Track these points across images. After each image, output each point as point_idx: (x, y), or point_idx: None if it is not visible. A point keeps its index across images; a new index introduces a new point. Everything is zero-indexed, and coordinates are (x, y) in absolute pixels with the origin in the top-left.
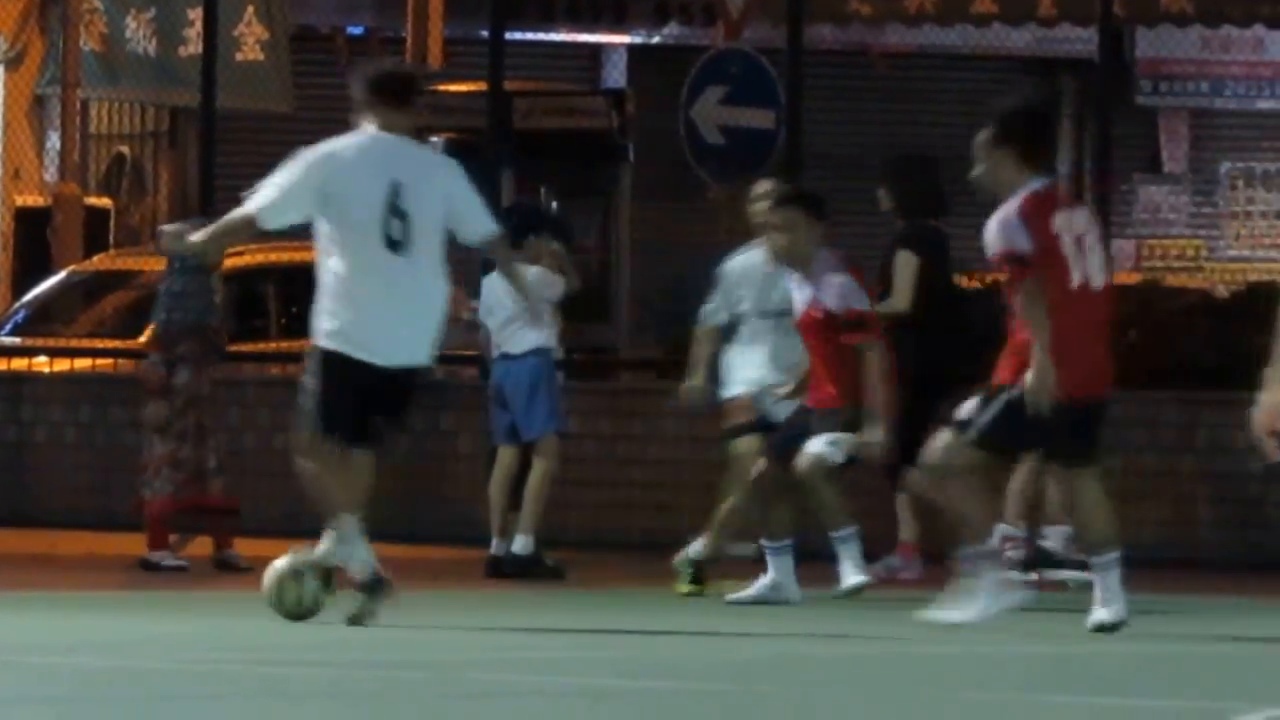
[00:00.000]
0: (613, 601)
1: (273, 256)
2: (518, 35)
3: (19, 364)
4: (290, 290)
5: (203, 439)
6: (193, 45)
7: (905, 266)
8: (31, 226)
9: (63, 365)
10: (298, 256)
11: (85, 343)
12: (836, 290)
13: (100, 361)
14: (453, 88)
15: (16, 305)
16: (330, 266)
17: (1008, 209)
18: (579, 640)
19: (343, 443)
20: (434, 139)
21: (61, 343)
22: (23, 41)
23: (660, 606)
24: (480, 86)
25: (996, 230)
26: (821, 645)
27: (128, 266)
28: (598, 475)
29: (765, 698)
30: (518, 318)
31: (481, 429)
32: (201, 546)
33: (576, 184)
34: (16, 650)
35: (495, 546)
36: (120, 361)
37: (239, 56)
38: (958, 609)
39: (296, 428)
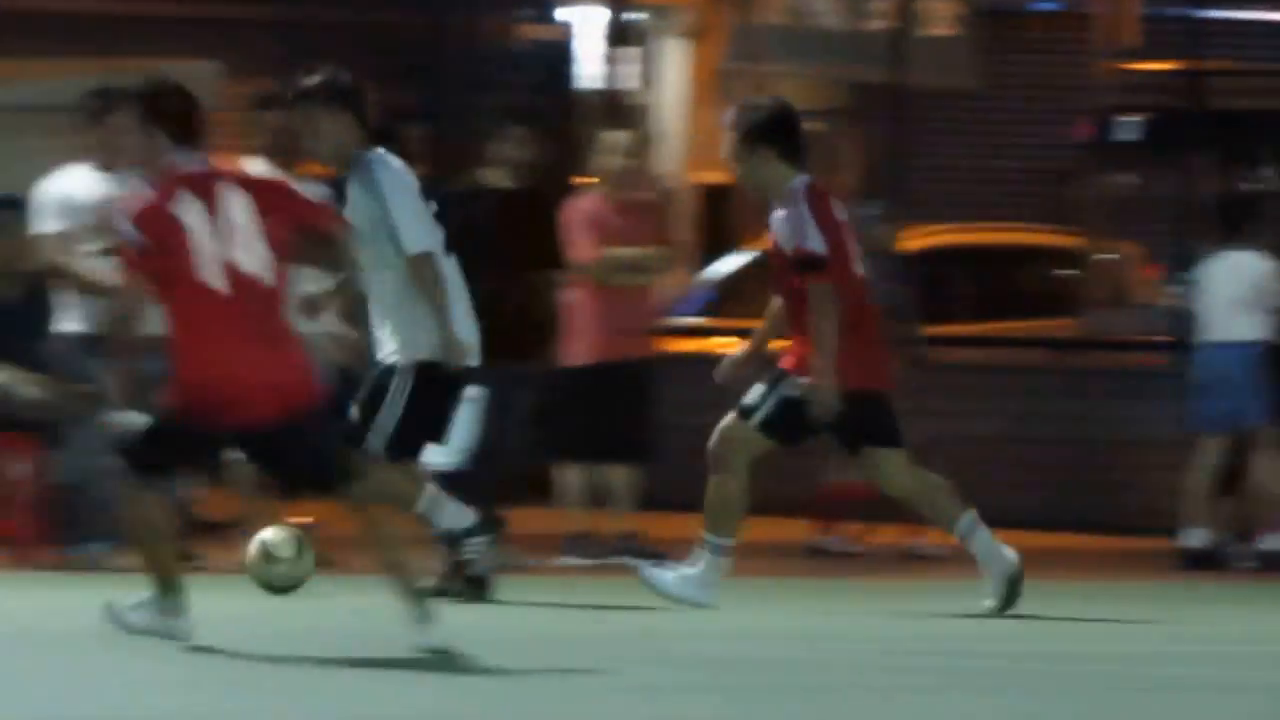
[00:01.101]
0: None
1: (963, 238)
2: (1212, 14)
3: (707, 344)
4: (982, 272)
5: None
6: (880, 19)
7: None
8: (716, 204)
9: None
10: (988, 238)
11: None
12: None
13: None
14: (1145, 66)
15: (700, 284)
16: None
17: (798, 207)
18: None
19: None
20: (1127, 118)
21: (746, 323)
22: (705, 15)
23: None
24: (1174, 65)
25: (790, 228)
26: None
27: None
28: None
29: None
30: (1235, 304)
31: (1170, 416)
32: (888, 536)
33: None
34: (672, 638)
35: (1191, 537)
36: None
37: (928, 31)
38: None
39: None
